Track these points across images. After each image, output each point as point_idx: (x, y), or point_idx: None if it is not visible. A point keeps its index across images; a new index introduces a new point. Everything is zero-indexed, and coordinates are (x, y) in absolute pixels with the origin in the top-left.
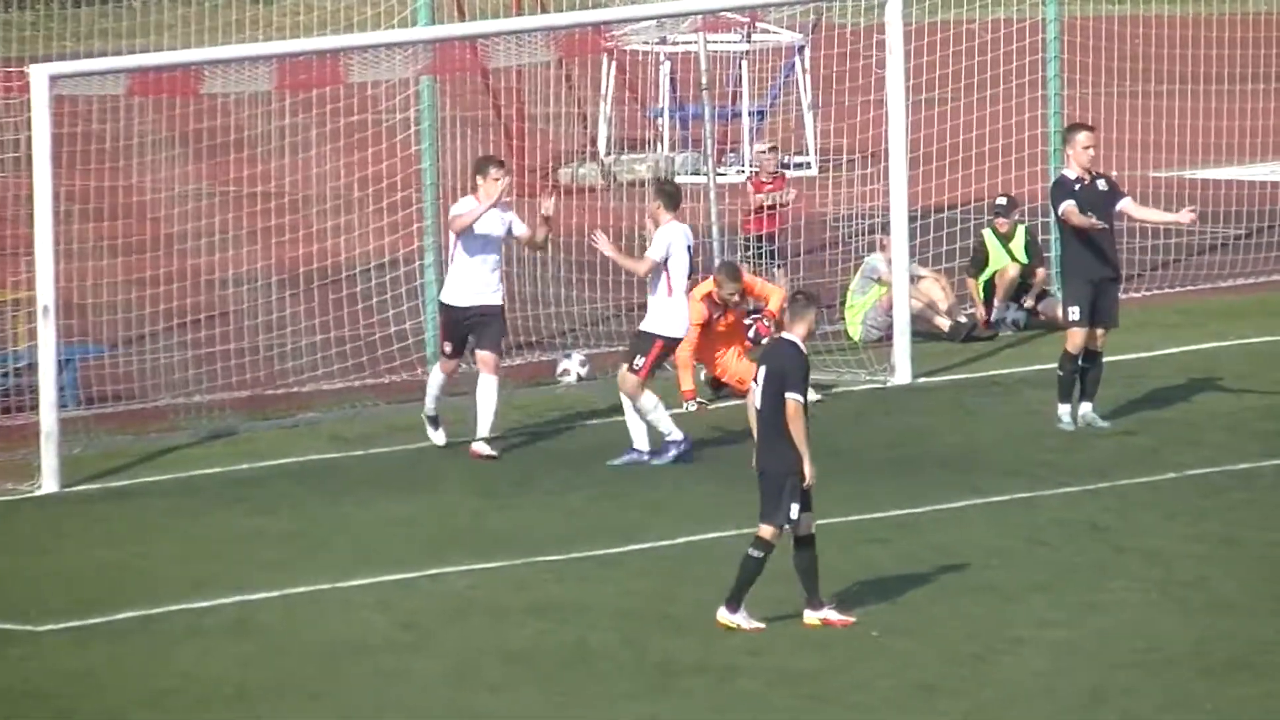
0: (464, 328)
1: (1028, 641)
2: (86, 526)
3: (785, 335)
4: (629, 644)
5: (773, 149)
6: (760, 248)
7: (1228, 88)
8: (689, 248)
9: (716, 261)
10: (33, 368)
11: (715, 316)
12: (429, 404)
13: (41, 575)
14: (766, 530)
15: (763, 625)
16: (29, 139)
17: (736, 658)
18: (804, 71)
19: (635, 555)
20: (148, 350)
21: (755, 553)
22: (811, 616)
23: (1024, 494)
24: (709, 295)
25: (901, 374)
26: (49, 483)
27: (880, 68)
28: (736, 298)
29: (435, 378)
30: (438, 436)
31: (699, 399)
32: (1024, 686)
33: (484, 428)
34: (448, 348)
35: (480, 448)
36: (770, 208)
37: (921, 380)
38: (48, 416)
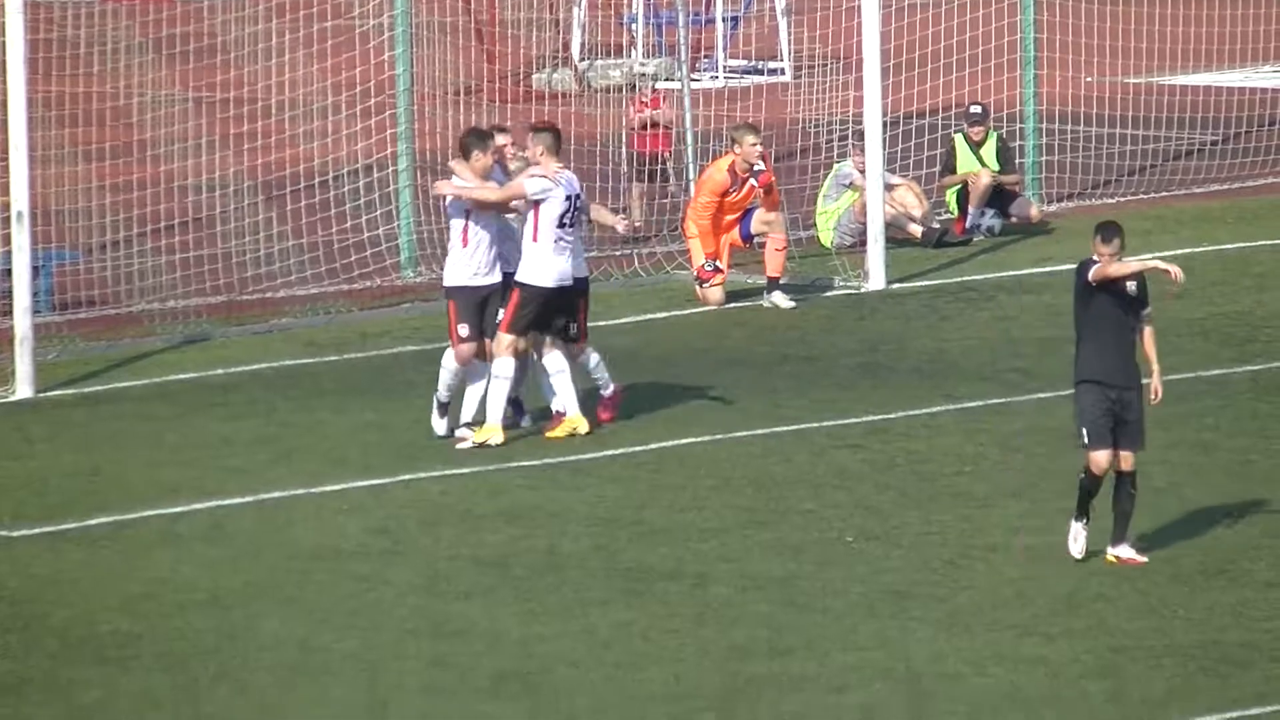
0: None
1: (1001, 548)
2: (60, 432)
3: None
4: (601, 550)
5: (655, 75)
6: (645, 166)
7: None
8: (571, 197)
9: (692, 167)
10: (7, 273)
11: (731, 190)
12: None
13: (14, 481)
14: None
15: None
16: (2, 44)
17: (709, 564)
18: None
19: (607, 462)
20: (122, 256)
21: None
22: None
23: (998, 400)
24: (731, 166)
25: (875, 280)
26: (23, 388)
27: None
28: (757, 155)
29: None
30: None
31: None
32: (997, 593)
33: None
34: (466, 330)
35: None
36: (653, 125)
37: (895, 286)
38: (22, 322)
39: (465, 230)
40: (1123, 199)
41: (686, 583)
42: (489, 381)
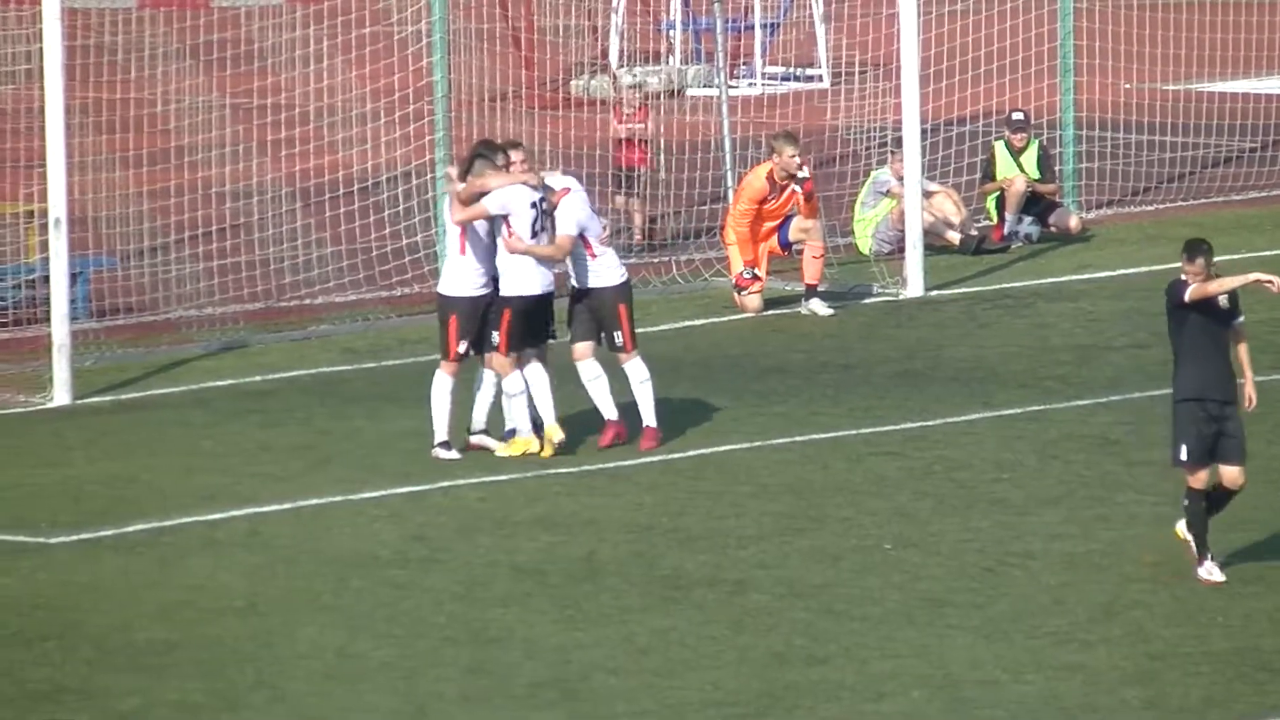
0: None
1: (1038, 555)
2: (97, 439)
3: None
4: (639, 557)
5: (640, 85)
6: (624, 177)
7: (1244, 0)
8: (534, 203)
9: (730, 174)
10: (45, 280)
11: (770, 197)
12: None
13: (52, 487)
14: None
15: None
16: (40, 51)
17: (747, 571)
18: None
19: (645, 468)
20: (159, 263)
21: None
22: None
23: (1035, 407)
24: (770, 174)
25: (914, 287)
26: (60, 395)
27: None
28: (796, 166)
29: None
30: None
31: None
32: (1035, 600)
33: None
34: (464, 346)
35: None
36: (630, 140)
37: (933, 293)
38: (59, 329)
39: (462, 237)
40: (1161, 206)
41: (724, 590)
42: (505, 399)
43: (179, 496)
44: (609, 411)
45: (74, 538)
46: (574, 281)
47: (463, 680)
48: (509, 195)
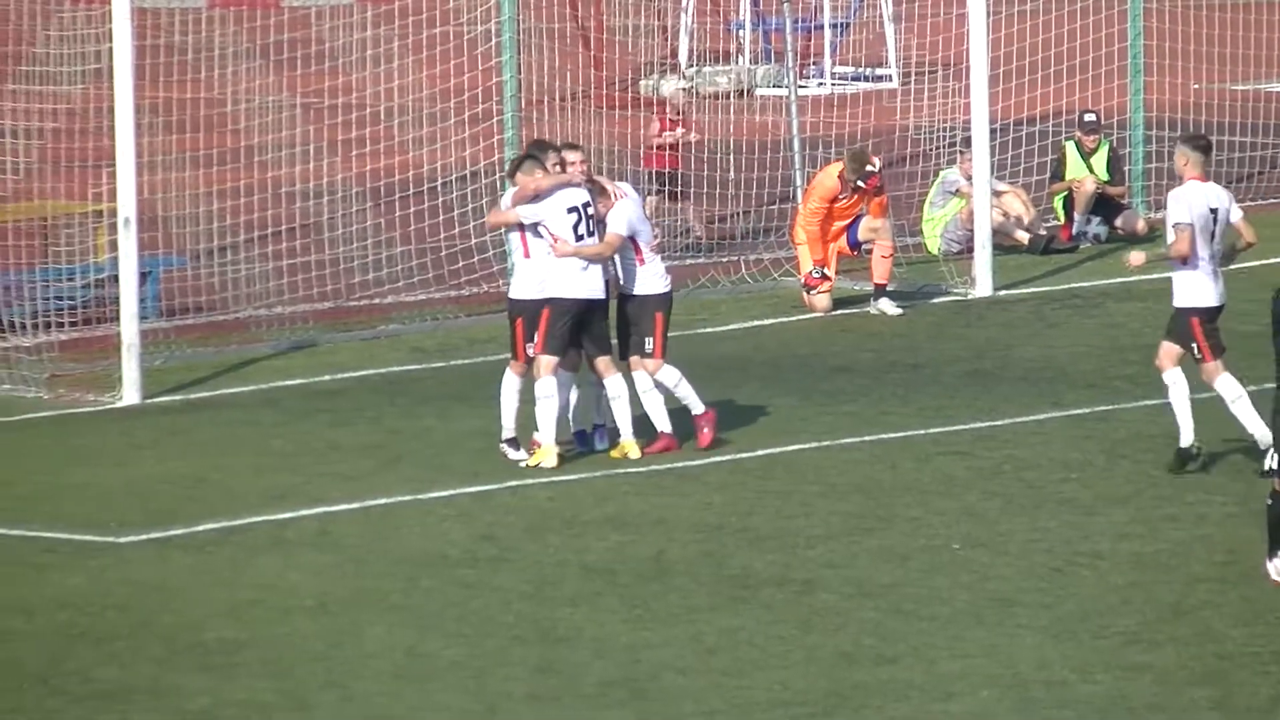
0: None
1: (1106, 555)
2: (167, 438)
3: None
4: (708, 556)
5: (687, 89)
6: (660, 187)
7: None
8: (574, 208)
9: (799, 175)
10: (114, 279)
11: (840, 196)
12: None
13: (122, 487)
14: None
15: None
16: (110, 51)
17: (815, 571)
18: None
19: (714, 468)
20: (229, 262)
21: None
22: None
23: (1104, 407)
24: (841, 173)
25: (982, 286)
26: (130, 394)
27: None
28: (863, 179)
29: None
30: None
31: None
32: (1103, 600)
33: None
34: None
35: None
36: (672, 147)
37: (1002, 293)
38: (129, 328)
39: (524, 241)
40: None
41: (793, 589)
42: (537, 403)
43: (248, 496)
44: (662, 423)
45: (143, 537)
46: (621, 285)
47: (531, 679)
48: (541, 204)
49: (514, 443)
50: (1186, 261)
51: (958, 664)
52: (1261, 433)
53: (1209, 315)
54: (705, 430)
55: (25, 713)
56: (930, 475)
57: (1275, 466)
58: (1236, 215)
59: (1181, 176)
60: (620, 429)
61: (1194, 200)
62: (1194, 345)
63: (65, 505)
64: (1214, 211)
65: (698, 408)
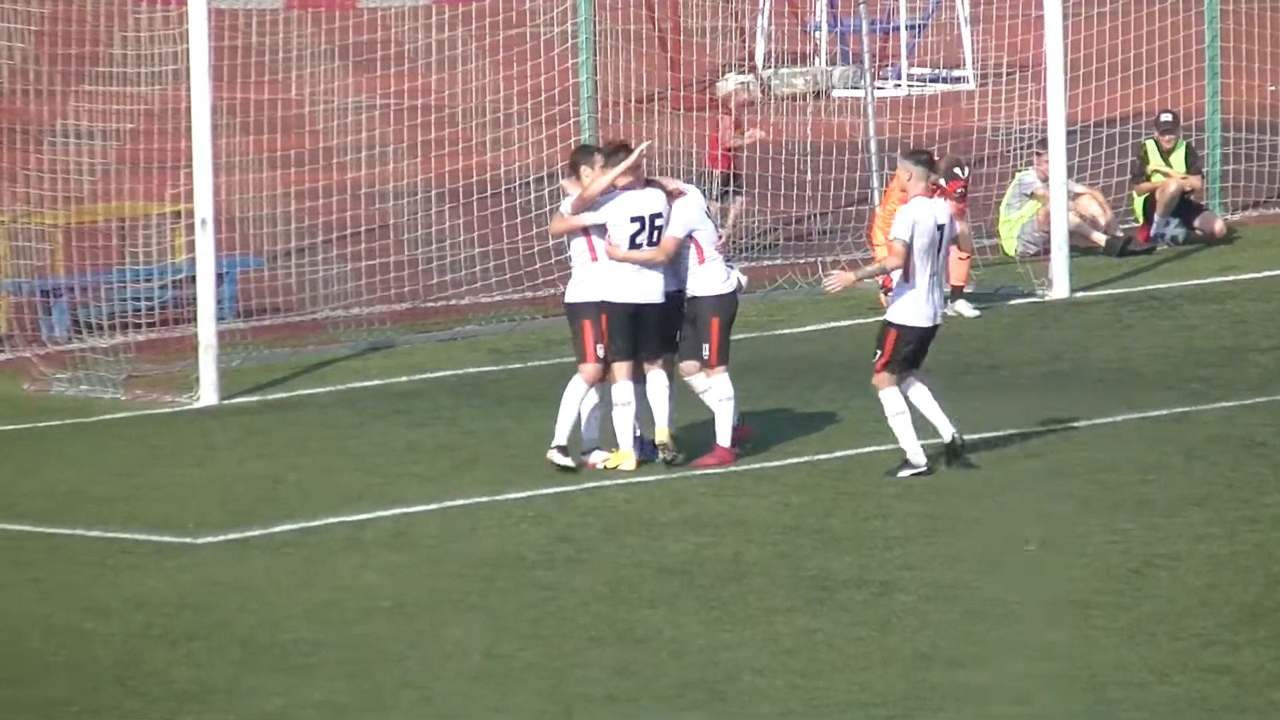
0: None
1: (1184, 557)
2: (244, 439)
3: None
4: (785, 558)
5: (743, 88)
6: (728, 185)
7: None
8: (639, 217)
9: (875, 176)
10: (191, 280)
11: None
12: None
13: (199, 487)
14: None
15: None
16: (186, 52)
17: (893, 572)
18: None
19: (792, 469)
20: (306, 263)
21: None
22: None
23: (1181, 409)
24: None
25: (1059, 288)
26: (207, 395)
27: None
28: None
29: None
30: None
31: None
32: (1180, 602)
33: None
34: (603, 350)
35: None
36: (735, 149)
37: (1079, 294)
38: (206, 329)
39: (590, 245)
40: None
41: (870, 591)
42: (614, 409)
43: (325, 497)
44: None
45: (221, 538)
46: (681, 285)
47: (609, 681)
48: (602, 208)
49: (564, 450)
50: (908, 278)
51: (1034, 666)
52: (914, 449)
53: (916, 335)
54: (709, 459)
55: (103, 714)
56: (1007, 477)
57: None
58: (958, 229)
59: (905, 191)
60: (619, 439)
61: (920, 216)
62: (878, 351)
63: (142, 506)
64: (940, 229)
65: (724, 439)
